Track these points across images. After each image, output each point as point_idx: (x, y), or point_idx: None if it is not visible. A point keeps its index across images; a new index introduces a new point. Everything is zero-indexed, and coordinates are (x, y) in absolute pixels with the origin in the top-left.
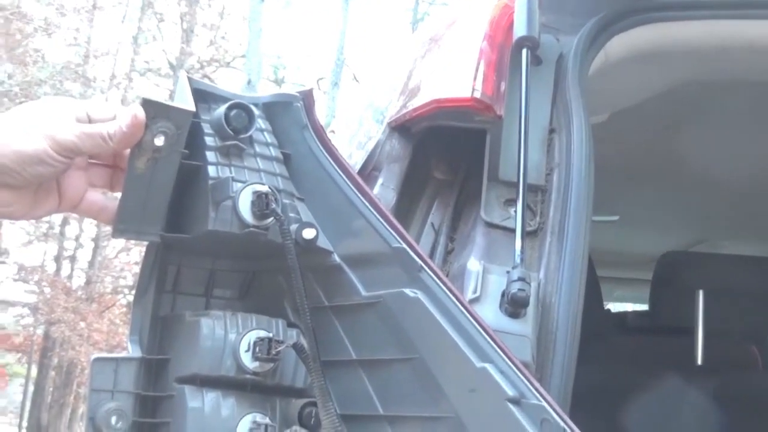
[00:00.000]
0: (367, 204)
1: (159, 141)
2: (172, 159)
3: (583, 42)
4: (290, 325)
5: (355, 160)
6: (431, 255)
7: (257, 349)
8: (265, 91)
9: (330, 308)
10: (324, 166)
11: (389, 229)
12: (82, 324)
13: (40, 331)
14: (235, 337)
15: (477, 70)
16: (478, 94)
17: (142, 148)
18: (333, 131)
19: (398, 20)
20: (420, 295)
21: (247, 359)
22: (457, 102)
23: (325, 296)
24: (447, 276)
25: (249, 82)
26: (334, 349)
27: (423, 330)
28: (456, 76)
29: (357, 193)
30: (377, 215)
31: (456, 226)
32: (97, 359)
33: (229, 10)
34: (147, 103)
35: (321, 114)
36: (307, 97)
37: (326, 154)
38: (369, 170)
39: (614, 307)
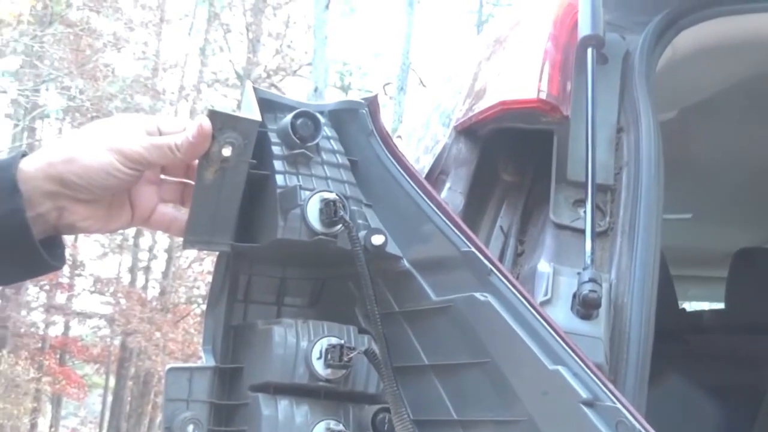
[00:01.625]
0: (435, 208)
1: (227, 151)
2: (240, 169)
3: (650, 39)
4: (361, 331)
5: (422, 164)
6: (501, 258)
7: (329, 356)
8: (331, 98)
9: (400, 314)
10: (391, 171)
11: (458, 233)
12: (158, 334)
13: (117, 341)
14: (307, 345)
15: (542, 70)
16: (543, 95)
17: (210, 158)
18: (400, 136)
19: (463, 23)
20: (490, 298)
21: (319, 366)
22: (523, 103)
23: (395, 302)
24: (517, 279)
25: (316, 89)
26: (406, 354)
27: (494, 333)
28: (521, 77)
29: (425, 197)
30: (445, 219)
31: (525, 229)
32: (172, 369)
33: (294, 19)
34: (214, 114)
35: (388, 119)
36: (373, 104)
37: (393, 159)
38: (436, 174)
39: (689, 306)
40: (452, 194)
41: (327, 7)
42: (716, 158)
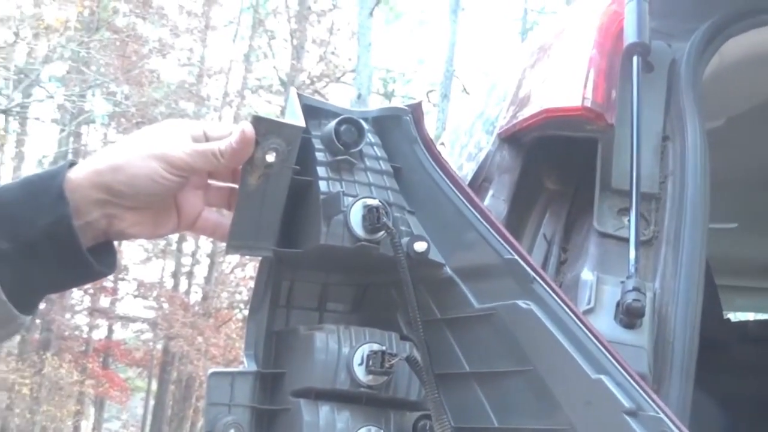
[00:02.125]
0: (478, 216)
1: (270, 157)
2: (283, 175)
3: (697, 46)
4: (403, 338)
5: (465, 171)
6: (544, 266)
7: (371, 362)
8: (375, 105)
9: (442, 321)
10: (434, 178)
11: (501, 240)
12: (200, 339)
13: (159, 346)
14: (349, 351)
15: (587, 78)
16: (588, 103)
17: (254, 164)
18: (443, 143)
19: (506, 30)
20: (533, 306)
21: (360, 372)
22: (568, 111)
23: (437, 309)
24: (560, 287)
25: (359, 96)
26: (447, 361)
27: (537, 342)
28: (566, 84)
29: (468, 205)
30: (489, 227)
31: (569, 237)
32: (214, 373)
33: (338, 26)
34: (257, 120)
35: (431, 126)
36: (416, 110)
37: (436, 166)
38: (480, 181)
39: (735, 316)
40: (495, 202)
41: (371, 14)
42: (763, 167)
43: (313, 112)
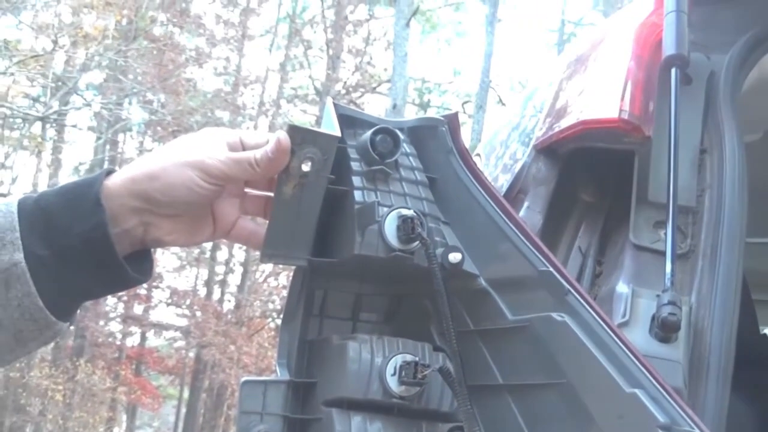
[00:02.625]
0: (513, 227)
1: (306, 167)
2: (319, 184)
3: (735, 59)
4: (436, 349)
5: (500, 182)
6: (579, 278)
7: (403, 373)
8: (411, 115)
9: (476, 332)
10: (470, 189)
11: (536, 252)
12: (232, 347)
13: (191, 353)
14: (382, 361)
15: (624, 90)
16: (625, 115)
17: (290, 173)
18: (479, 154)
19: (543, 41)
20: (567, 318)
21: (393, 383)
22: (605, 123)
23: (471, 320)
24: (595, 300)
25: (394, 106)
26: (480, 373)
27: (570, 354)
28: (603, 96)
29: (503, 216)
30: (524, 239)
31: (604, 249)
32: (247, 382)
33: (374, 36)
34: (293, 129)
35: (466, 137)
36: (452, 121)
37: (472, 177)
38: (515, 193)
39: None
40: (531, 213)
41: (407, 24)
42: None
43: (349, 121)
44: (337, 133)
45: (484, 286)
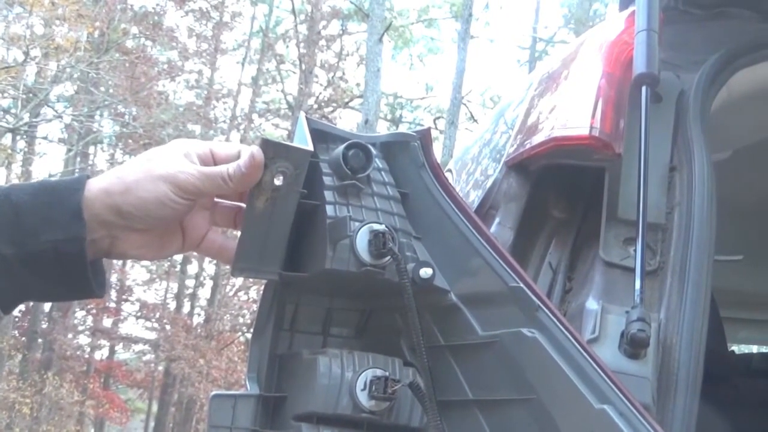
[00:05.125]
0: (484, 243)
1: (278, 181)
2: (290, 198)
3: (705, 78)
4: (406, 364)
5: (471, 198)
6: (549, 294)
7: (373, 388)
8: (383, 130)
9: (446, 347)
10: (441, 205)
11: (506, 268)
12: (202, 361)
13: (161, 367)
14: (352, 376)
15: (595, 107)
16: (596, 132)
17: (262, 187)
18: (450, 170)
19: (515, 59)
20: (537, 334)
21: (363, 398)
22: (576, 140)
23: (441, 335)
24: (565, 316)
25: (366, 121)
26: (450, 388)
27: (540, 370)
28: (574, 113)
29: (474, 232)
30: (494, 254)
31: (574, 266)
32: (216, 396)
33: (347, 51)
34: (266, 144)
35: (438, 153)
36: (425, 137)
37: (444, 193)
38: (486, 209)
39: (739, 348)
40: (501, 229)
41: (380, 40)
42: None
43: (321, 136)
44: (310, 147)
45: (455, 302)
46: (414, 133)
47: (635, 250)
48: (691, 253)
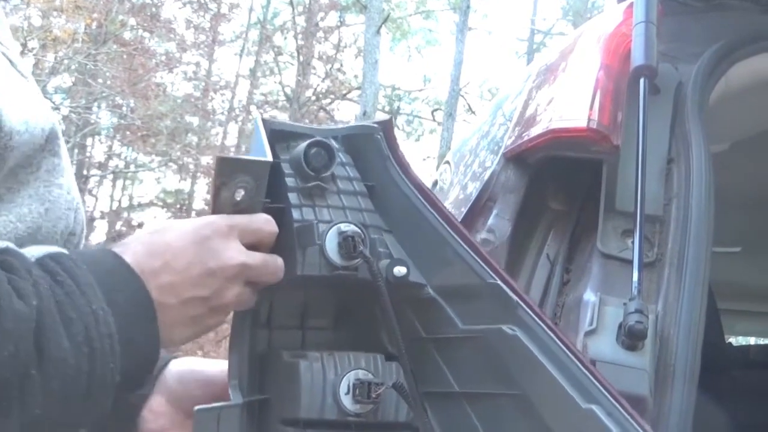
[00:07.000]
0: (455, 235)
1: (238, 196)
2: (253, 210)
3: (703, 70)
4: (389, 357)
5: (470, 190)
6: (546, 286)
7: (357, 392)
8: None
9: (428, 339)
10: (409, 197)
11: (480, 261)
12: (200, 353)
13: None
14: (335, 379)
15: (593, 99)
16: (594, 124)
17: (222, 205)
18: (448, 162)
19: (513, 51)
20: (518, 332)
21: (347, 401)
22: (574, 132)
23: (422, 328)
24: (563, 307)
25: (364, 113)
26: (436, 380)
27: (525, 368)
28: (572, 105)
29: (444, 224)
30: (466, 247)
31: (572, 257)
32: (200, 410)
33: (345, 43)
34: (222, 162)
35: (435, 145)
36: (387, 128)
37: (411, 185)
38: (484, 201)
39: (736, 340)
40: (500, 221)
41: (378, 31)
42: (767, 192)
43: (280, 136)
44: (269, 157)
45: (433, 295)
46: (376, 125)
47: (633, 242)
48: (689, 245)
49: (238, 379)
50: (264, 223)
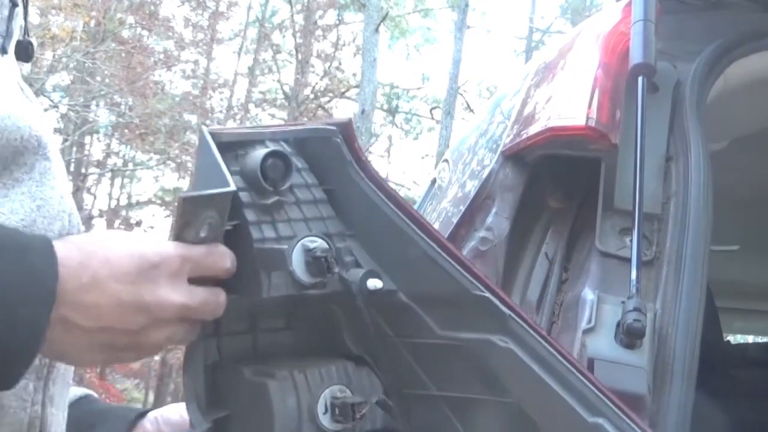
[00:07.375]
0: (425, 237)
1: (203, 232)
2: (217, 240)
3: (702, 68)
4: (357, 361)
5: (468, 188)
6: (545, 284)
7: (337, 412)
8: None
9: (399, 343)
10: (374, 201)
11: (451, 261)
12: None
13: (157, 357)
14: (310, 400)
15: (592, 98)
16: (593, 123)
17: (185, 242)
18: (446, 160)
19: (512, 49)
20: (511, 344)
21: (326, 421)
22: (572, 130)
23: (390, 330)
24: (561, 306)
25: (363, 111)
26: (411, 382)
27: (519, 380)
28: (571, 104)
29: (412, 226)
30: (437, 247)
31: (570, 256)
32: None
33: (343, 41)
34: (186, 202)
35: (434, 143)
36: (346, 129)
37: (375, 188)
38: (482, 199)
39: (735, 339)
40: (498, 219)
41: (376, 30)
42: (766, 190)
43: (228, 146)
44: (231, 186)
45: (405, 301)
46: (333, 127)
47: (631, 240)
48: (687, 244)
49: (195, 401)
50: (220, 257)
